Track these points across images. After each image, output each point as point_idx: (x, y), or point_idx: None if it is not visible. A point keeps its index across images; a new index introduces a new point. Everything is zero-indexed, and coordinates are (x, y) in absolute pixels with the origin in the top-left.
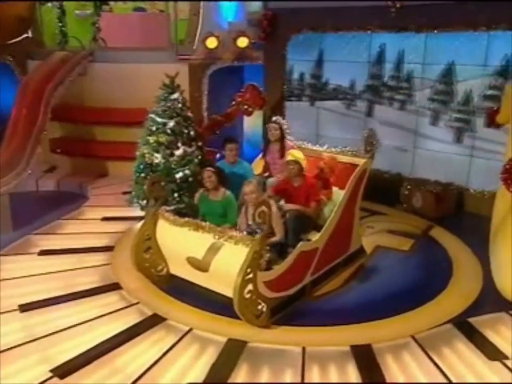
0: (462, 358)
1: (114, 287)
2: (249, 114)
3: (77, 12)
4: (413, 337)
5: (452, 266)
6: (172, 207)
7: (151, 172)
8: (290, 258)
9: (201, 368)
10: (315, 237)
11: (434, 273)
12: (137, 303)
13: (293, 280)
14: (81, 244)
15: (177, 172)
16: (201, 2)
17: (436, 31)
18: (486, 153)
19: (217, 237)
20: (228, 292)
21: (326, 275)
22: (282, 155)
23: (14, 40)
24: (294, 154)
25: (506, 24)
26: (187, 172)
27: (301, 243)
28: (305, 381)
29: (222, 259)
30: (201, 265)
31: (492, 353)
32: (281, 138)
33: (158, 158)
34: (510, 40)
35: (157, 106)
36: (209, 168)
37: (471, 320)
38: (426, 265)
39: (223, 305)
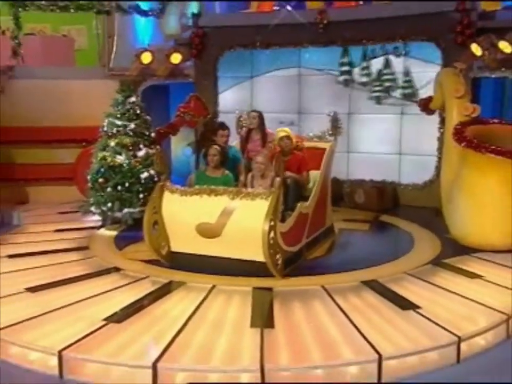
0: (451, 280)
1: (113, 270)
2: (194, 125)
3: None
4: (406, 273)
5: (411, 236)
6: (137, 209)
7: (113, 174)
8: (294, 216)
9: (236, 308)
10: (305, 204)
11: (399, 240)
12: (147, 277)
13: (296, 237)
14: (48, 248)
15: (142, 172)
16: (116, 25)
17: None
18: None
19: (232, 196)
20: (244, 254)
21: (313, 243)
22: (264, 143)
23: None
24: (286, 130)
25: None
26: (152, 172)
27: (299, 204)
28: (339, 304)
29: (237, 219)
30: (213, 229)
31: (471, 274)
32: (261, 127)
33: (121, 159)
34: None
35: (114, 110)
36: (216, 147)
37: (445, 261)
38: (389, 236)
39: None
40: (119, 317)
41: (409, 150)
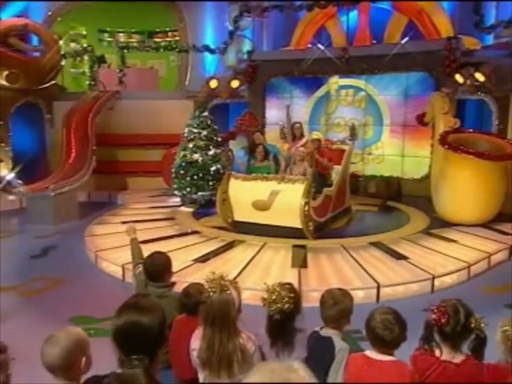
0: (434, 243)
1: (195, 232)
2: (248, 133)
3: (72, 70)
4: (402, 238)
5: (408, 215)
6: (207, 193)
7: (191, 167)
8: (322, 196)
9: (281, 257)
10: (330, 189)
11: (400, 217)
12: (217, 237)
13: (323, 211)
14: (146, 218)
15: (211, 166)
16: (190, 60)
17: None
18: None
19: (278, 181)
20: (286, 222)
21: (335, 218)
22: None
23: (44, 86)
24: (318, 134)
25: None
26: (219, 166)
27: (325, 189)
28: (353, 256)
29: (282, 197)
30: (265, 204)
31: (448, 239)
32: (302, 134)
33: (196, 156)
34: None
35: (192, 121)
36: (261, 146)
37: (431, 231)
38: (393, 215)
39: (280, 235)
40: (202, 259)
41: (410, 153)
